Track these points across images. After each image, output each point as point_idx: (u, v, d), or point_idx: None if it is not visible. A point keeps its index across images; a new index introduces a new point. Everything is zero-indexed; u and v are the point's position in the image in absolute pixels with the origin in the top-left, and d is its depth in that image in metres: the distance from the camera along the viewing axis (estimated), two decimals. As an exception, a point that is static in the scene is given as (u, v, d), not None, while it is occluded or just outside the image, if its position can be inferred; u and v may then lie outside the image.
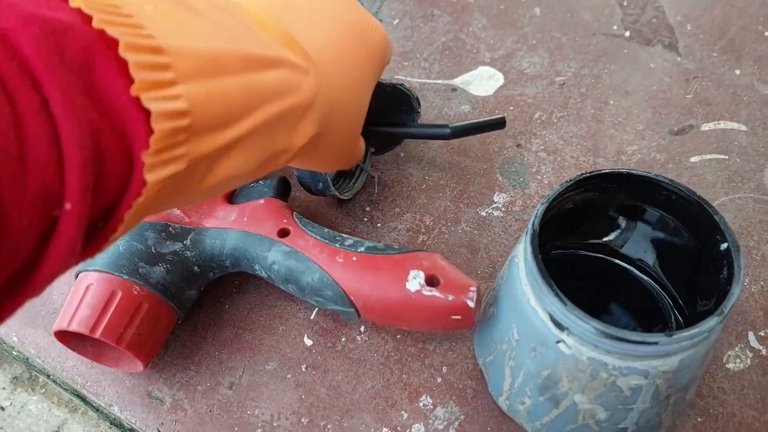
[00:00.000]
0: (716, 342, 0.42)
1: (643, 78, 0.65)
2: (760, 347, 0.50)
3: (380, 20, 0.70)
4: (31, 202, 0.21)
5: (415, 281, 0.43)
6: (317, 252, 0.46)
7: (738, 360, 0.49)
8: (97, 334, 0.44)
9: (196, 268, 0.49)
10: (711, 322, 0.35)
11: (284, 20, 0.38)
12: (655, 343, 0.35)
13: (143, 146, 0.24)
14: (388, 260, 0.45)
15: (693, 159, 0.59)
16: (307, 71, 0.36)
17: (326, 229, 0.48)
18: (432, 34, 0.71)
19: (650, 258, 0.47)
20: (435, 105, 0.64)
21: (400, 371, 0.49)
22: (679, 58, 0.66)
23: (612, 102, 0.63)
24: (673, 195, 0.41)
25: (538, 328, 0.38)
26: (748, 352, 0.49)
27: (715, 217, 0.39)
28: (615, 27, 0.69)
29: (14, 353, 0.55)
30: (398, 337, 0.51)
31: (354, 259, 0.45)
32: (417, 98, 0.56)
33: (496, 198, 0.57)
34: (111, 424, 0.52)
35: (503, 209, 0.57)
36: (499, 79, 0.66)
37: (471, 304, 0.42)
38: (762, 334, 0.50)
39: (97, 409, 0.52)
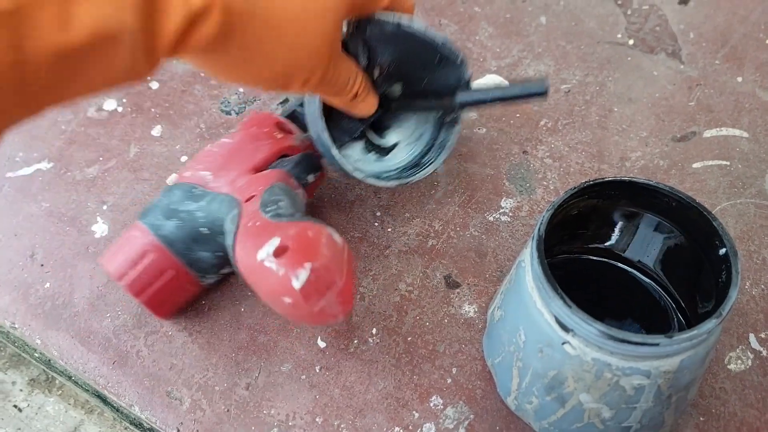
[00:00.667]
0: (717, 343, 0.43)
1: (646, 85, 0.66)
2: (761, 349, 0.51)
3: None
4: None
5: (265, 249, 0.39)
6: (245, 220, 0.46)
7: (739, 361, 0.51)
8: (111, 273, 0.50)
9: (204, 229, 0.50)
10: (710, 324, 0.36)
11: None
12: (656, 345, 0.36)
13: None
14: (272, 227, 0.42)
15: (695, 165, 0.60)
16: None
17: (283, 202, 0.47)
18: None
19: (652, 262, 0.48)
20: (443, 113, 0.66)
21: (411, 372, 0.51)
22: (681, 66, 0.68)
23: (616, 109, 0.65)
24: (674, 202, 0.43)
25: (545, 330, 0.40)
26: (749, 353, 0.51)
27: (713, 222, 0.40)
28: (619, 35, 0.71)
29: (36, 355, 0.56)
30: (409, 339, 0.52)
31: (257, 223, 0.44)
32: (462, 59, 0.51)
33: (503, 203, 0.59)
34: (131, 424, 0.54)
35: (510, 214, 0.58)
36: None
37: (295, 283, 0.36)
38: (763, 335, 0.51)
39: (117, 410, 0.53)
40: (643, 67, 0.68)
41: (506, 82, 0.68)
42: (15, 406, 0.67)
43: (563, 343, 0.39)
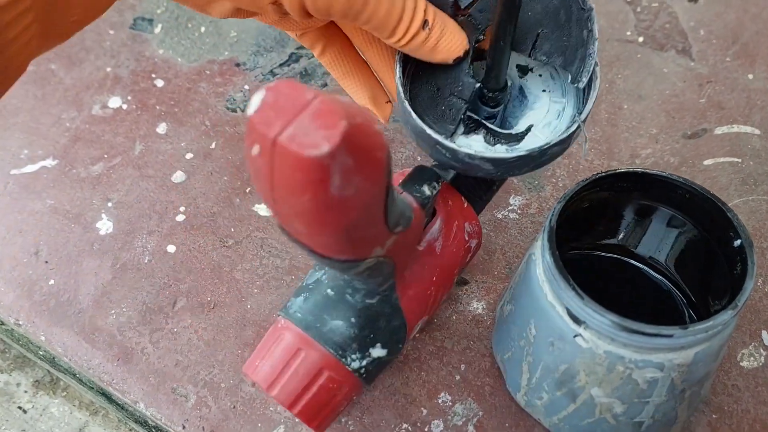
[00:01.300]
0: (730, 339, 0.42)
1: (656, 83, 0.66)
2: (775, 346, 0.50)
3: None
4: None
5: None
6: None
7: (752, 358, 0.50)
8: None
9: (329, 291, 0.43)
10: (725, 315, 0.36)
11: None
12: (671, 336, 0.36)
13: None
14: None
15: (706, 162, 0.60)
16: None
17: None
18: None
19: (664, 257, 0.48)
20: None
21: (419, 369, 0.50)
22: (692, 63, 0.67)
23: (626, 106, 0.64)
24: (687, 194, 0.42)
25: (556, 323, 0.39)
26: (761, 350, 0.50)
27: (728, 214, 0.40)
28: (628, 33, 0.70)
29: (41, 353, 0.56)
30: (417, 335, 0.52)
31: None
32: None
33: (512, 201, 0.58)
34: (135, 423, 0.53)
35: (519, 212, 0.58)
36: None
37: (249, 109, 0.27)
38: (776, 333, 0.51)
39: (122, 409, 0.53)
40: (653, 65, 0.67)
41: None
42: (20, 408, 0.67)
43: (575, 336, 0.39)
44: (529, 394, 0.45)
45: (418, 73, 0.43)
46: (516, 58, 0.45)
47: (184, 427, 0.49)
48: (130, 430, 0.62)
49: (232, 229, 0.58)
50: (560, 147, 0.40)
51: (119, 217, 0.60)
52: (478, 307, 0.53)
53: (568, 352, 0.39)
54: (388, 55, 0.44)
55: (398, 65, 0.41)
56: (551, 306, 0.39)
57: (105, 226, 0.59)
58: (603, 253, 0.50)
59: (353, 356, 0.42)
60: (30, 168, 0.64)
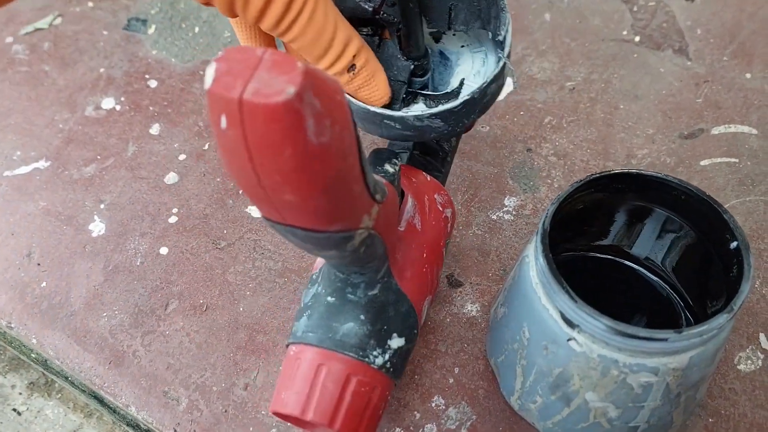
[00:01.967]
0: (726, 342, 0.42)
1: (653, 82, 0.65)
2: (772, 348, 0.50)
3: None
4: None
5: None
6: None
7: (749, 361, 0.49)
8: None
9: (329, 298, 0.42)
10: (720, 319, 0.35)
11: None
12: (665, 340, 0.35)
13: None
14: None
15: (703, 162, 0.59)
16: None
17: None
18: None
19: (660, 259, 0.47)
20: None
21: (413, 372, 0.50)
22: (689, 63, 0.67)
23: (622, 106, 0.64)
24: (683, 195, 0.41)
25: (550, 327, 0.39)
26: (759, 353, 0.50)
27: (724, 216, 0.39)
28: (625, 32, 0.70)
29: (33, 356, 0.55)
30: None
31: None
32: None
33: (506, 202, 0.58)
34: (128, 425, 0.53)
35: (514, 213, 0.57)
36: (509, 84, 0.66)
37: (207, 81, 0.26)
38: (773, 335, 0.50)
39: (114, 411, 0.52)
40: (649, 64, 0.67)
41: (510, 80, 0.67)
42: (14, 410, 0.66)
43: (569, 340, 0.38)
44: (522, 398, 0.44)
45: None
46: (428, 29, 0.46)
47: (175, 431, 0.48)
48: (124, 432, 0.61)
49: (225, 231, 0.58)
50: (496, 84, 0.42)
51: (112, 219, 0.59)
52: (472, 309, 0.52)
53: (562, 355, 0.39)
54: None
55: None
56: (545, 309, 0.39)
57: (97, 227, 0.59)
58: (598, 255, 0.50)
59: (374, 353, 0.41)
60: (23, 169, 0.63)
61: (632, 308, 0.48)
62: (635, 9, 0.71)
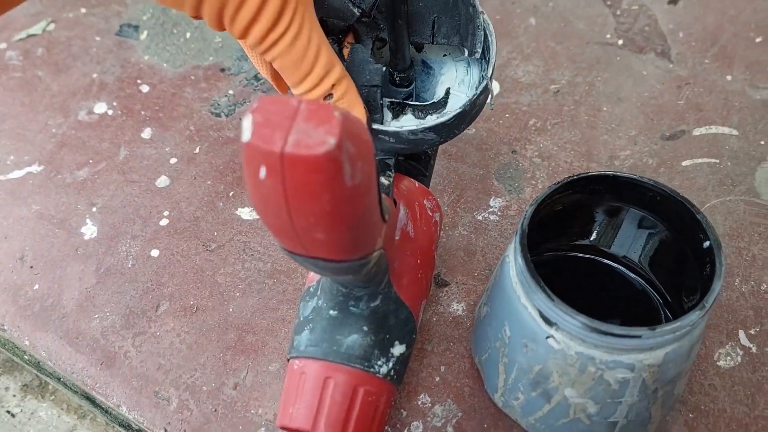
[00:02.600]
0: (702, 337, 0.43)
1: (635, 85, 0.66)
2: (750, 345, 0.51)
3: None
4: None
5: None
6: None
7: (729, 357, 0.50)
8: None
9: (331, 312, 0.43)
10: (693, 316, 0.36)
11: None
12: (639, 336, 0.36)
13: None
14: None
15: (685, 163, 0.60)
16: None
17: None
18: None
19: (638, 257, 0.48)
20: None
21: (399, 371, 0.51)
22: (671, 65, 0.68)
23: (605, 109, 0.65)
24: (658, 196, 0.42)
25: (529, 325, 0.40)
26: (738, 349, 0.51)
27: (697, 216, 0.40)
28: (608, 36, 0.71)
29: (26, 357, 0.56)
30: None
31: None
32: None
33: (492, 203, 0.59)
34: (120, 425, 0.53)
35: (499, 213, 0.58)
36: (495, 87, 0.68)
37: (245, 134, 0.26)
38: (752, 332, 0.51)
39: (106, 411, 0.53)
40: (632, 67, 0.68)
41: (496, 83, 0.68)
42: (8, 412, 0.67)
43: (547, 338, 0.39)
44: (506, 395, 0.45)
45: None
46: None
47: (166, 431, 0.49)
48: (116, 433, 0.62)
49: (215, 233, 0.59)
50: (484, 95, 0.43)
51: (104, 222, 0.60)
52: (458, 308, 0.53)
53: (541, 353, 0.40)
54: None
55: None
56: (524, 308, 0.40)
57: (89, 230, 0.60)
58: (579, 254, 0.51)
59: (378, 362, 0.43)
60: (16, 174, 0.64)
61: (613, 305, 0.49)
62: (618, 13, 0.72)
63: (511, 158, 0.62)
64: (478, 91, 0.42)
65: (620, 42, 0.70)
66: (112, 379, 0.52)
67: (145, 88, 0.70)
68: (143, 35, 0.74)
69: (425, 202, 0.48)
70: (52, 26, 0.77)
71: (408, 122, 0.46)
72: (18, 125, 0.68)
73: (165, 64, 0.72)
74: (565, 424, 0.43)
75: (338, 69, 0.39)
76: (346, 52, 0.44)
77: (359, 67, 0.43)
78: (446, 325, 0.53)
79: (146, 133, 0.66)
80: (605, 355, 0.38)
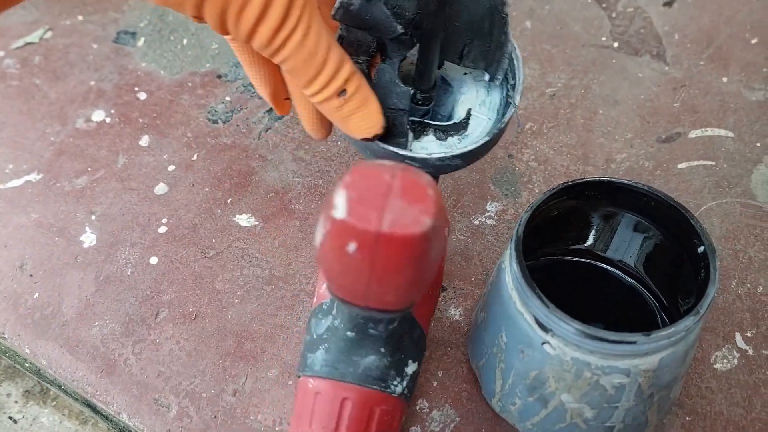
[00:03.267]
0: (698, 341, 0.43)
1: (631, 87, 0.67)
2: (747, 347, 0.51)
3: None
4: None
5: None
6: None
7: (725, 360, 0.51)
8: None
9: (348, 333, 0.42)
10: (687, 321, 0.37)
11: None
12: (634, 342, 0.36)
13: None
14: None
15: (681, 165, 0.61)
16: None
17: None
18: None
19: (633, 261, 0.49)
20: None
21: (397, 376, 0.51)
22: (666, 68, 0.68)
23: (601, 112, 0.65)
24: (652, 201, 0.43)
25: (525, 331, 0.40)
26: (735, 352, 0.51)
27: (691, 221, 0.40)
28: (604, 38, 0.71)
29: (27, 365, 0.57)
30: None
31: None
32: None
33: (488, 207, 0.59)
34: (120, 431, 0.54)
35: (496, 218, 0.59)
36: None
37: (337, 212, 0.27)
38: (749, 334, 0.52)
39: (107, 418, 0.54)
40: (628, 70, 0.68)
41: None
42: (10, 418, 0.67)
43: (543, 343, 0.39)
44: (503, 400, 0.46)
45: None
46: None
47: (166, 438, 0.50)
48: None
49: (213, 240, 0.59)
50: (510, 122, 0.42)
51: (102, 230, 0.60)
52: (455, 313, 0.54)
53: (537, 359, 0.40)
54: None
55: None
56: (520, 314, 0.40)
57: (88, 239, 0.60)
58: (575, 258, 0.51)
59: (394, 382, 0.43)
60: (15, 182, 0.64)
61: (609, 309, 0.49)
62: (614, 15, 0.73)
63: (508, 162, 0.62)
64: (506, 119, 0.41)
65: (616, 44, 0.70)
66: (113, 386, 0.52)
67: (142, 96, 0.70)
68: (140, 42, 0.75)
69: None
70: (49, 34, 0.77)
71: (429, 143, 0.45)
72: (16, 133, 0.68)
73: (162, 71, 0.72)
74: (562, 428, 0.43)
75: (349, 63, 0.37)
76: (372, 71, 0.43)
77: (385, 88, 0.41)
78: (444, 330, 0.53)
79: (144, 141, 0.66)
80: (601, 360, 0.38)
